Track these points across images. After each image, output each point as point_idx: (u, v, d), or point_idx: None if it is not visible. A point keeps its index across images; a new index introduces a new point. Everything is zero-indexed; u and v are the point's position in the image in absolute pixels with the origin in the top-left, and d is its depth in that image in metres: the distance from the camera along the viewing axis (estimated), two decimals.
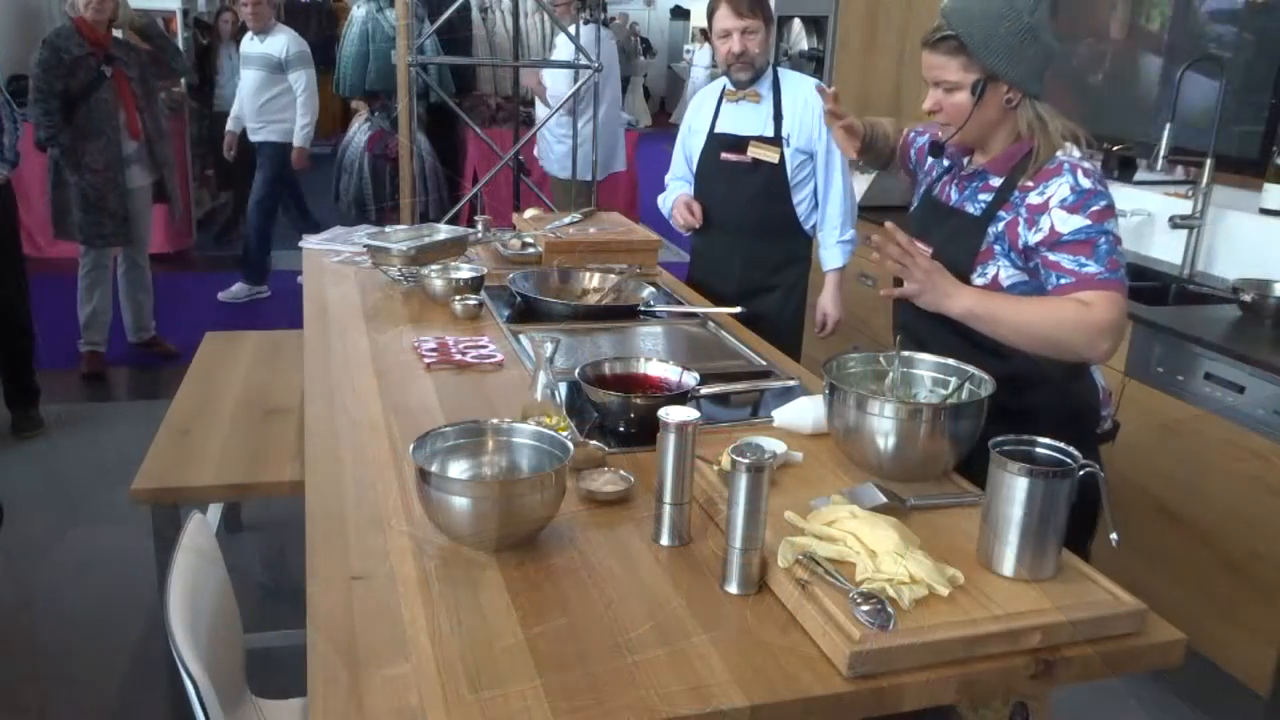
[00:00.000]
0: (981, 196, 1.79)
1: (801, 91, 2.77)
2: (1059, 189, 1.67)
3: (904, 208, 2.18)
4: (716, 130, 2.86)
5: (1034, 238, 1.69)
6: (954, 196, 1.86)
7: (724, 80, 2.85)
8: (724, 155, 2.83)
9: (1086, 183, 1.67)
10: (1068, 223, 1.65)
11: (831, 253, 2.91)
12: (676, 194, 2.97)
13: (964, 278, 1.74)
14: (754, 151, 2.77)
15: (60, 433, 3.97)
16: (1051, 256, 1.67)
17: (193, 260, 6.81)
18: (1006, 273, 1.74)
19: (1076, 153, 1.72)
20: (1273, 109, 3.13)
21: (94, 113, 4.25)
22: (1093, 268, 1.64)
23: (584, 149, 5.07)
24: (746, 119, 2.81)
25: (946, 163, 1.92)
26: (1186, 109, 3.15)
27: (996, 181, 1.77)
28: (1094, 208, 1.66)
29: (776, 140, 2.76)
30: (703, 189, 2.91)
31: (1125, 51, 3.75)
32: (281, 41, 5.66)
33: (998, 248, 1.74)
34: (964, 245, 1.77)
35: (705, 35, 11.11)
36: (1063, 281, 1.66)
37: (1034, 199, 1.70)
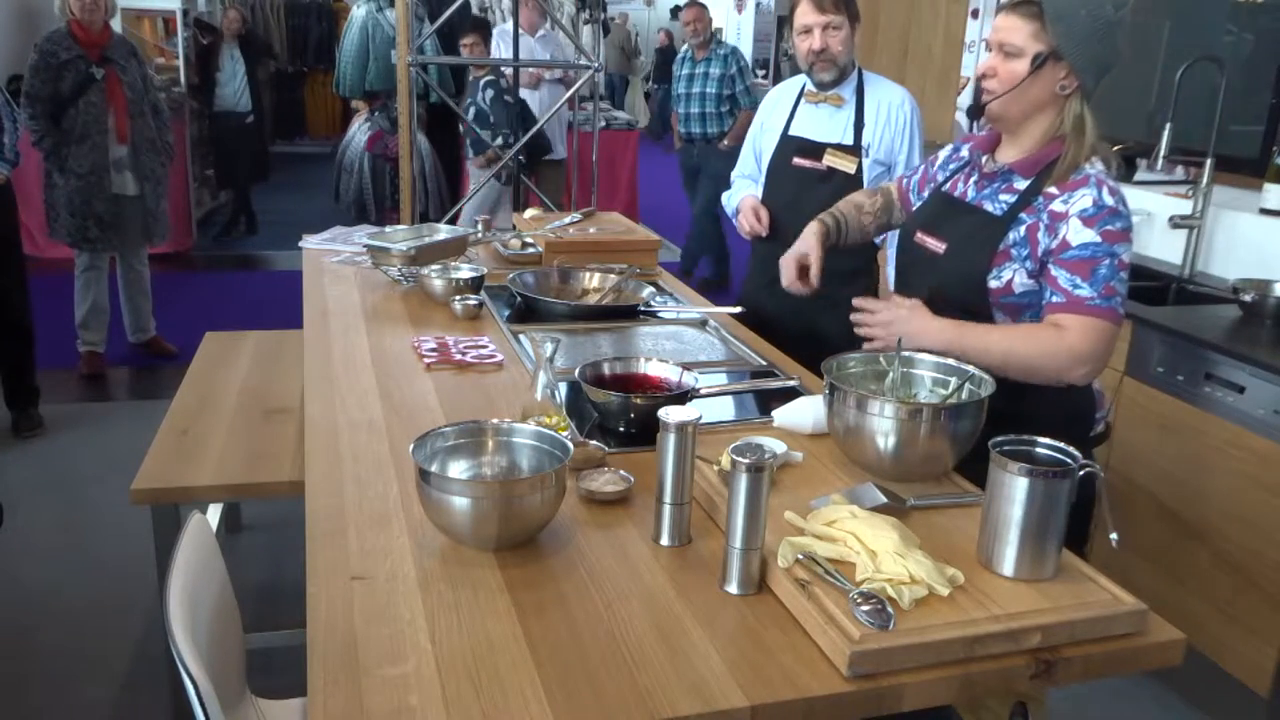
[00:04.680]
0: (1003, 197, 1.76)
1: (887, 99, 2.57)
2: (1082, 199, 1.66)
3: None
4: (791, 132, 2.65)
5: (1050, 244, 1.68)
6: (970, 194, 1.84)
7: (804, 78, 2.64)
8: (796, 160, 2.61)
9: (1110, 200, 1.65)
10: (1080, 235, 1.65)
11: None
12: (743, 194, 2.73)
13: (980, 277, 1.73)
14: (830, 160, 2.56)
15: (60, 433, 3.97)
16: (1053, 270, 1.67)
17: (193, 260, 6.81)
18: (1020, 279, 1.71)
19: (1102, 169, 1.71)
20: (1273, 109, 3.13)
21: (82, 116, 4.23)
22: (1086, 291, 1.64)
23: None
24: (825, 123, 2.60)
25: (965, 156, 1.91)
26: (1186, 109, 3.15)
27: (1022, 184, 1.74)
28: (1109, 227, 1.64)
29: (855, 149, 2.54)
30: (770, 193, 2.67)
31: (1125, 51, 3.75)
32: None
33: (1015, 251, 1.71)
34: (982, 244, 1.74)
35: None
36: (1054, 299, 1.67)
37: (1057, 206, 1.68)
